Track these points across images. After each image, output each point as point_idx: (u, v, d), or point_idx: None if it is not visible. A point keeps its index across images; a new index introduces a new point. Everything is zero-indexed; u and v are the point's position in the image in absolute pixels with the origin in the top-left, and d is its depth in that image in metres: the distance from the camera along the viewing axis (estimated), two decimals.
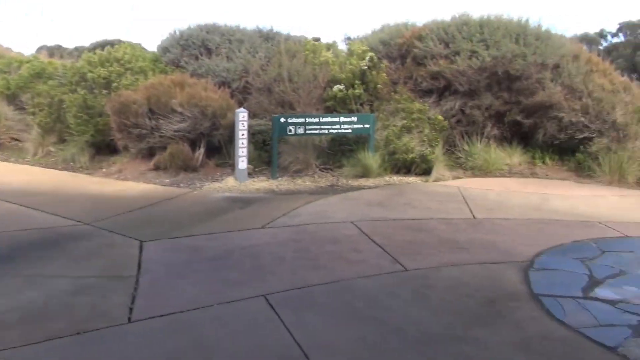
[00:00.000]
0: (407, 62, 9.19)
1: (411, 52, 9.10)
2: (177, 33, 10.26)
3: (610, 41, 26.38)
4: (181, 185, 7.73)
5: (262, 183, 7.92)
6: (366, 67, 9.02)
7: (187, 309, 3.60)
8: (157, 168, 8.11)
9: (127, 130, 8.03)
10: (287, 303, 3.72)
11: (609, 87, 8.57)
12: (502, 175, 8.94)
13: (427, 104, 8.79)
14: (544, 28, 8.69)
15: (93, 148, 8.92)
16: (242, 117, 7.80)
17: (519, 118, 8.95)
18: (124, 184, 7.80)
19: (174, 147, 8.04)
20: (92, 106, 8.69)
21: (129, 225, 5.63)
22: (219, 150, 8.83)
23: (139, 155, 8.52)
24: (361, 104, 9.14)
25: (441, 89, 8.95)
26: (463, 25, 8.59)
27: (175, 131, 8.04)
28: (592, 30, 26.91)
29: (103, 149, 9.07)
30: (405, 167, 8.61)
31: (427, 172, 8.57)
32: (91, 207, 6.50)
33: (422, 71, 8.90)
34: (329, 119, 8.33)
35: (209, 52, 9.85)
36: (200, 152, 8.36)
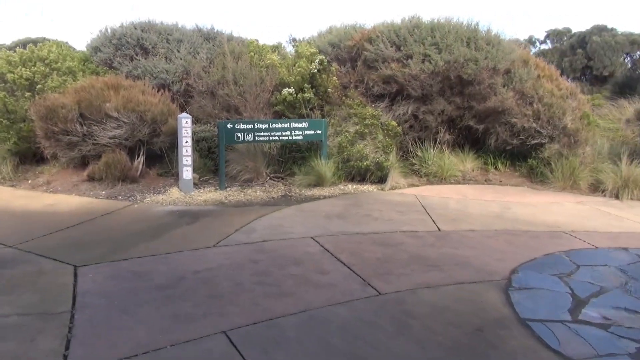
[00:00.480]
0: (358, 65, 8.88)
1: (362, 55, 8.80)
2: (109, 31, 9.45)
3: (539, 47, 27.40)
4: (119, 197, 7.03)
5: (209, 194, 7.35)
6: (316, 70, 8.63)
7: (134, 354, 3.05)
8: (91, 179, 7.35)
9: (56, 137, 7.22)
10: (252, 341, 3.25)
11: (557, 93, 8.62)
12: (457, 182, 8.80)
13: (380, 109, 8.52)
14: (493, 32, 8.61)
15: (16, 157, 8.01)
16: (185, 122, 7.20)
17: (471, 123, 8.85)
18: (53, 197, 7.00)
19: (110, 156, 7.31)
20: (14, 110, 7.79)
21: (61, 247, 4.95)
22: (160, 158, 8.17)
23: (70, 164, 7.72)
24: (311, 109, 8.74)
25: (393, 93, 8.70)
26: (414, 28, 8.38)
27: (111, 138, 7.32)
28: (521, 36, 27.83)
29: (28, 157, 8.17)
30: (359, 174, 8.30)
31: (382, 179, 8.29)
32: (16, 226, 5.72)
33: (373, 75, 8.62)
34: (279, 125, 7.87)
35: (145, 52, 9.13)
36: (140, 161, 7.67)
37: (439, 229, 5.92)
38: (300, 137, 8.05)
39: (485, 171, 9.50)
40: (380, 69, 8.44)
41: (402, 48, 8.35)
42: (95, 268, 4.43)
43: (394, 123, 8.37)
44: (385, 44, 8.32)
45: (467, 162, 9.39)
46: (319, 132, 8.12)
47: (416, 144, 9.25)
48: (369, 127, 8.29)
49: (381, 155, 8.21)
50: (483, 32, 8.55)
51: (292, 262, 4.66)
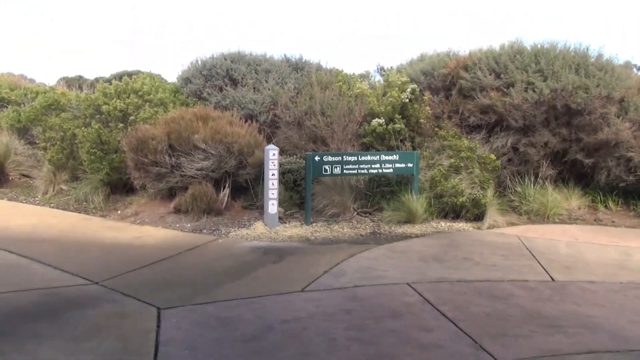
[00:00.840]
0: (453, 94, 8.35)
1: (457, 83, 8.26)
2: (199, 63, 9.57)
3: None
4: (204, 231, 6.87)
5: (295, 229, 7.03)
6: (407, 100, 8.19)
7: None
8: (177, 211, 7.27)
9: (145, 168, 7.23)
10: None
11: None
12: (562, 222, 7.94)
13: (476, 141, 7.89)
14: (604, 57, 7.78)
15: (108, 187, 8.13)
16: (272, 154, 6.96)
17: (579, 157, 8.00)
18: (140, 229, 6.96)
19: (196, 188, 7.21)
20: (107, 141, 7.94)
21: (146, 285, 4.76)
22: (245, 190, 7.99)
23: (158, 195, 7.71)
24: (401, 141, 8.28)
25: (491, 124, 8.06)
26: (516, 54, 7.75)
27: (198, 170, 7.22)
28: (636, 60, 25.84)
29: (119, 188, 8.28)
30: (453, 211, 7.67)
31: (478, 217, 7.62)
32: (103, 259, 5.65)
33: (469, 104, 8.04)
34: (369, 157, 7.46)
35: (234, 82, 9.12)
36: (225, 193, 7.51)
37: (552, 279, 5.19)
38: (390, 170, 7.59)
39: (593, 210, 8.54)
40: (478, 98, 7.85)
41: (502, 76, 7.73)
42: (179, 312, 4.16)
43: (492, 156, 7.71)
44: (484, 71, 7.74)
45: (573, 200, 8.48)
46: (410, 165, 7.62)
47: (515, 178, 8.49)
48: (464, 161, 7.69)
49: (478, 191, 7.56)
50: (593, 57, 7.75)
51: (390, 314, 4.16)
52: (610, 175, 8.09)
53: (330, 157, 7.27)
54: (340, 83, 8.80)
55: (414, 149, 8.24)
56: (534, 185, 8.34)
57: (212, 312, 4.17)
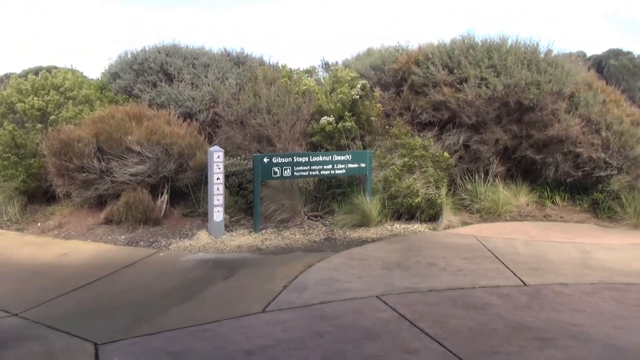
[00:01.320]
0: (404, 90, 8.04)
1: (408, 79, 7.97)
2: (129, 56, 8.71)
3: None
4: (141, 243, 6.14)
5: (243, 238, 6.45)
6: (358, 97, 7.80)
7: None
8: (109, 221, 6.49)
9: (70, 174, 6.39)
10: None
11: (626, 120, 7.72)
12: (513, 219, 7.85)
13: (428, 139, 7.63)
14: (553, 53, 7.76)
15: (24, 196, 7.18)
16: (217, 157, 6.34)
17: (528, 153, 7.93)
18: (66, 244, 6.12)
19: (130, 195, 6.45)
20: (23, 144, 6.99)
21: (77, 315, 4.06)
22: (185, 196, 7.30)
23: (85, 205, 6.87)
24: (352, 139, 7.88)
25: (444, 121, 7.84)
26: (469, 49, 7.54)
27: (132, 175, 6.47)
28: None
29: (37, 197, 7.34)
30: (408, 212, 7.37)
31: (433, 217, 7.37)
32: (22, 283, 4.84)
33: (422, 101, 7.77)
34: (320, 158, 7.00)
35: (169, 78, 8.36)
36: (163, 200, 6.81)
37: (524, 283, 4.95)
38: (343, 171, 7.16)
39: (541, 206, 8.54)
40: (430, 94, 7.59)
41: (455, 71, 7.50)
42: (121, 347, 3.51)
43: (447, 154, 7.48)
44: (437, 66, 7.48)
45: (521, 196, 8.43)
46: (363, 165, 7.24)
47: (465, 176, 8.33)
48: (418, 160, 7.40)
49: (433, 191, 7.29)
50: (543, 52, 7.69)
51: (367, 335, 3.72)
52: (558, 170, 8.08)
53: (280, 158, 6.74)
54: (286, 79, 8.27)
55: (364, 148, 7.86)
56: (484, 182, 8.21)
57: (160, 346, 3.55)
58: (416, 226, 7.25)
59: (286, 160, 6.77)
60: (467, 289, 4.78)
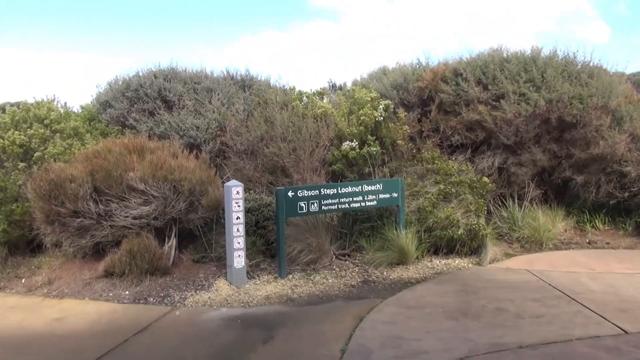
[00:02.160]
0: (432, 110, 7.30)
1: (435, 98, 7.24)
2: (120, 82, 7.81)
3: None
4: (151, 299, 5.17)
5: (269, 286, 5.53)
6: (381, 119, 7.03)
7: None
8: (109, 274, 5.51)
9: (62, 220, 5.43)
10: None
11: None
12: (557, 248, 7.12)
13: (463, 163, 6.87)
14: (592, 63, 7.12)
15: (5, 247, 6.14)
16: (235, 193, 5.46)
17: (568, 174, 7.23)
18: (60, 305, 5.11)
19: (134, 242, 5.50)
20: (3, 187, 6.00)
21: None
22: (193, 238, 6.39)
23: (79, 255, 5.88)
24: (376, 166, 7.08)
25: (476, 143, 7.10)
26: (503, 62, 6.86)
27: (136, 218, 5.54)
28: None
29: (21, 248, 6.30)
30: (447, 246, 6.55)
31: (473, 250, 6.58)
32: None
33: (452, 121, 7.04)
34: (350, 189, 6.16)
35: (168, 105, 7.48)
36: (172, 246, 5.87)
37: (624, 331, 4.14)
38: (374, 202, 6.34)
39: (580, 231, 7.85)
40: (463, 113, 6.86)
41: (490, 87, 6.80)
42: None
43: (486, 179, 6.72)
44: (470, 82, 6.77)
45: (557, 221, 7.69)
46: (395, 195, 6.43)
47: (497, 202, 7.59)
48: (455, 186, 6.62)
49: (474, 220, 6.50)
50: (579, 63, 7.06)
51: None
52: (599, 192, 7.41)
53: (306, 191, 5.88)
54: (297, 102, 7.47)
55: (391, 175, 7.07)
56: (521, 208, 7.48)
57: None
58: (458, 261, 6.44)
59: (313, 193, 5.91)
60: (563, 342, 3.95)
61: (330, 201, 6.03)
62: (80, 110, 8.84)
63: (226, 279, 5.62)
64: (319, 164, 7.04)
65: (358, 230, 6.81)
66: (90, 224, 5.50)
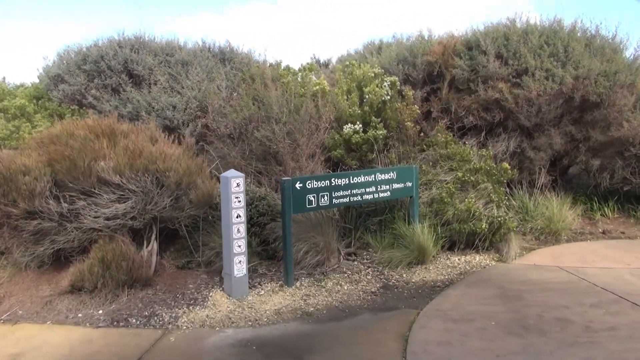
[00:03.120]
0: (442, 88, 6.52)
1: (446, 74, 6.46)
2: (75, 53, 6.56)
3: None
4: (132, 320, 4.15)
5: (275, 297, 4.62)
6: (388, 98, 6.21)
7: None
8: (76, 289, 4.42)
9: (13, 223, 4.28)
10: None
11: None
12: (573, 239, 6.58)
13: (487, 149, 6.16)
14: (617, 38, 6.53)
15: None
16: (235, 185, 4.49)
17: (584, 159, 6.68)
18: (13, 333, 4.00)
19: (107, 248, 4.45)
20: None
21: None
22: (172, 239, 5.37)
23: (32, 264, 4.73)
24: (381, 152, 6.26)
25: (493, 124, 6.40)
26: (525, 34, 6.14)
27: (109, 219, 4.45)
28: None
29: None
30: (463, 241, 5.84)
31: (490, 244, 5.90)
32: None
33: (466, 100, 6.30)
34: (362, 178, 5.32)
35: (136, 80, 6.32)
36: (152, 250, 4.84)
37: None
38: (387, 194, 5.52)
39: (589, 219, 7.36)
40: (478, 91, 6.11)
41: (510, 62, 6.07)
42: None
43: (506, 165, 6.04)
44: (489, 56, 6.02)
45: (565, 209, 7.15)
46: (409, 184, 5.64)
47: (507, 190, 6.96)
48: (474, 174, 5.90)
49: (496, 212, 5.82)
50: (607, 37, 6.45)
51: None
52: (614, 177, 6.91)
53: (315, 182, 4.97)
54: (288, 78, 6.51)
55: (398, 162, 6.27)
56: (531, 196, 6.89)
57: None
58: (478, 258, 5.77)
59: (323, 184, 5.02)
60: None
61: (341, 193, 5.16)
62: (27, 87, 7.48)
63: (223, 290, 4.66)
64: (319, 150, 6.14)
65: (363, 225, 5.99)
66: (50, 226, 4.39)
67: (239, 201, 4.51)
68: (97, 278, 4.37)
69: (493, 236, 5.81)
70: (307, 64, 7.39)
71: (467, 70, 6.24)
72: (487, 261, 5.67)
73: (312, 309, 4.41)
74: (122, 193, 4.52)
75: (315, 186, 4.96)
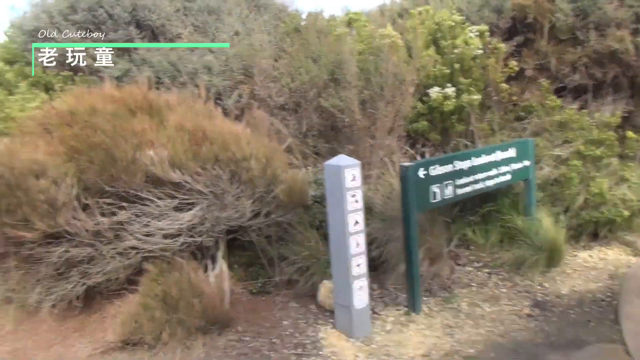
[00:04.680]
0: (533, 40, 5.40)
1: (544, 22, 5.31)
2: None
3: None
4: None
5: (410, 333, 3.45)
6: (480, 52, 5.03)
7: None
8: (129, 343, 3.06)
9: (23, 253, 2.85)
10: None
11: None
12: None
13: (610, 116, 5.11)
14: None
15: None
16: (351, 179, 3.22)
17: None
18: None
19: (169, 279, 3.10)
20: None
21: None
22: (233, 250, 4.02)
23: (45, 304, 3.28)
24: (473, 122, 5.11)
25: (603, 84, 5.36)
26: None
27: (167, 237, 3.09)
28: None
29: None
30: (594, 233, 4.82)
31: (615, 235, 4.92)
32: None
33: (571, 54, 5.20)
34: (483, 159, 4.14)
35: (148, 35, 4.80)
36: (221, 274, 3.51)
37: None
38: (508, 177, 4.38)
39: None
40: (589, 41, 5.03)
41: (632, 3, 5.00)
42: None
43: (632, 134, 5.03)
44: None
45: None
46: (526, 163, 4.52)
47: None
48: (598, 146, 4.85)
49: (630, 194, 4.81)
50: None
51: None
52: None
53: (439, 166, 3.75)
54: (342, 30, 5.18)
55: (492, 134, 5.13)
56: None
57: None
58: (610, 253, 4.75)
59: (446, 169, 3.81)
60: None
61: (464, 181, 3.98)
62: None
63: (335, 327, 3.41)
64: (395, 122, 4.89)
65: (462, 218, 4.85)
66: (80, 253, 2.97)
67: (356, 201, 3.24)
68: (161, 326, 3.02)
69: (626, 224, 4.82)
70: (353, 12, 6.06)
71: (570, 16, 5.12)
72: (623, 256, 4.68)
73: (470, 349, 3.25)
74: (184, 197, 3.15)
75: (439, 173, 3.74)
